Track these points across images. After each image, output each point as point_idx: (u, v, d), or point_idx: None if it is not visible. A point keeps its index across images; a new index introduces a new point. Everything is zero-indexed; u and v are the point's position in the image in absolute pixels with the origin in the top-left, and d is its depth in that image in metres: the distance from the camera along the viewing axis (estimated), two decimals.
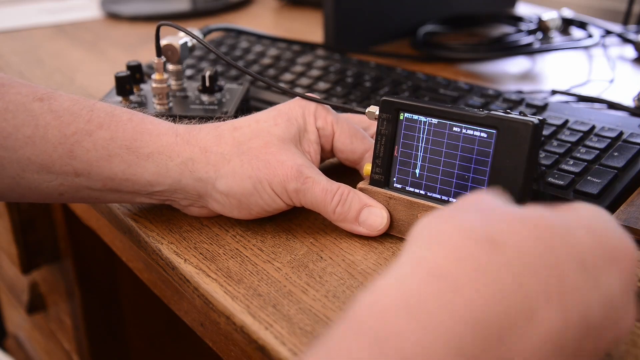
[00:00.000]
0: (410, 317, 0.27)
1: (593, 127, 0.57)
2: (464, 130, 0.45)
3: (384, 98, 0.48)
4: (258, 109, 0.53)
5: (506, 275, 0.28)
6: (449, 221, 0.31)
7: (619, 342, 0.36)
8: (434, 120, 0.46)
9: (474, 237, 0.29)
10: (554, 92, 0.72)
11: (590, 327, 0.30)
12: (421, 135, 0.47)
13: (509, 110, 0.45)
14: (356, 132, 0.52)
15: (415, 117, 0.47)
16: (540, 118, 0.43)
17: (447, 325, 0.27)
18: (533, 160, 0.42)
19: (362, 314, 0.28)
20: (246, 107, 0.67)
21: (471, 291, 0.28)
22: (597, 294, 0.30)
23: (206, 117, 0.60)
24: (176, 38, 0.63)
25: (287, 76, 0.73)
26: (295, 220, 0.52)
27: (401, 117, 0.48)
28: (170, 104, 0.62)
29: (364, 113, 0.51)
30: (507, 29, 0.95)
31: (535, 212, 0.31)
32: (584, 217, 0.33)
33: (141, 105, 0.62)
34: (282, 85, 0.71)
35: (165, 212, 0.53)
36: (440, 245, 0.30)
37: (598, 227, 0.32)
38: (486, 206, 0.32)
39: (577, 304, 0.29)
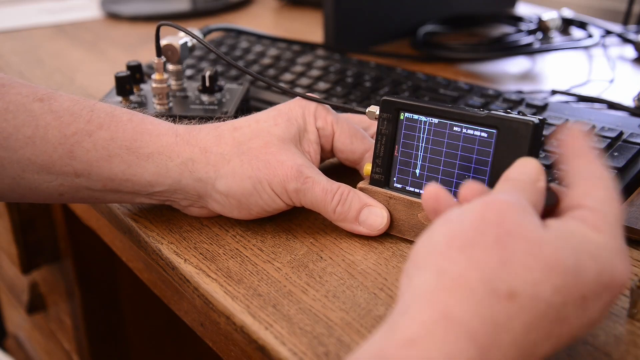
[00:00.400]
0: None
1: (593, 127, 0.57)
2: (464, 130, 0.45)
3: (385, 98, 0.48)
4: (258, 109, 0.53)
5: (519, 330, 0.31)
6: (472, 263, 0.32)
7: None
8: (435, 120, 0.46)
9: (497, 294, 0.31)
10: (554, 92, 0.72)
11: (571, 339, 0.34)
12: (421, 135, 0.47)
13: (509, 110, 0.45)
14: (356, 132, 0.52)
15: (416, 116, 0.47)
16: (541, 118, 0.43)
17: None
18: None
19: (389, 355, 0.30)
20: (246, 107, 0.66)
21: (487, 349, 0.30)
22: (584, 320, 0.33)
23: (206, 117, 0.60)
24: (176, 38, 0.63)
25: (287, 76, 0.73)
26: (295, 220, 0.52)
27: (401, 117, 0.48)
28: (170, 104, 0.62)
29: (364, 113, 0.51)
30: (507, 29, 0.94)
31: (551, 247, 0.32)
32: (593, 243, 0.34)
33: (141, 105, 0.62)
34: (282, 85, 0.71)
35: (165, 212, 0.53)
36: (466, 299, 0.31)
37: (604, 257, 0.34)
38: (509, 236, 0.32)
39: (569, 334, 0.33)
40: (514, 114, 0.43)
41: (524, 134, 0.42)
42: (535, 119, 0.42)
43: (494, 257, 0.32)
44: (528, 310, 0.31)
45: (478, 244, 0.32)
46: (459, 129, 0.45)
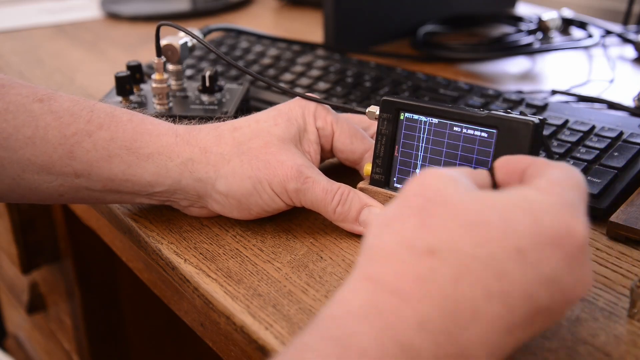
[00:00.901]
0: (367, 323, 0.31)
1: (593, 127, 0.57)
2: (464, 130, 0.45)
3: (385, 98, 0.48)
4: (258, 109, 0.53)
5: (445, 281, 0.32)
6: (392, 232, 0.34)
7: (574, 305, 0.37)
8: (435, 120, 0.46)
9: (415, 252, 0.32)
10: (554, 92, 0.72)
11: (538, 307, 0.32)
12: (422, 135, 0.47)
13: (509, 110, 0.45)
14: (356, 132, 0.52)
15: (416, 117, 0.47)
16: (541, 118, 0.43)
17: (397, 329, 0.31)
18: None
19: (325, 322, 0.32)
20: (246, 107, 0.66)
21: (415, 300, 0.31)
22: (539, 277, 0.32)
23: (206, 117, 0.60)
24: (176, 38, 0.63)
25: (287, 76, 0.73)
26: (295, 220, 0.52)
27: (401, 117, 0.48)
28: (170, 104, 0.62)
29: (364, 113, 0.51)
30: (507, 29, 0.94)
31: (475, 206, 0.33)
32: (528, 199, 0.34)
33: (141, 105, 0.62)
34: (282, 85, 0.71)
35: (165, 212, 0.53)
36: (387, 260, 0.33)
37: (539, 210, 0.33)
38: (428, 202, 0.34)
39: (519, 291, 0.32)
40: (514, 114, 0.43)
41: (525, 133, 0.42)
42: (535, 119, 0.42)
43: (413, 222, 0.33)
44: (450, 263, 0.32)
45: (401, 216, 0.34)
46: (459, 129, 0.45)
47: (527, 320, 0.32)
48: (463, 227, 0.33)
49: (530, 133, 0.42)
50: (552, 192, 0.34)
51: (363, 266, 0.34)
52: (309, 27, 1.03)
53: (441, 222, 0.33)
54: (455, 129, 0.45)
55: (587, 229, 0.34)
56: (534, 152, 0.42)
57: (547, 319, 0.34)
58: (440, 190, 0.34)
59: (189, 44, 0.65)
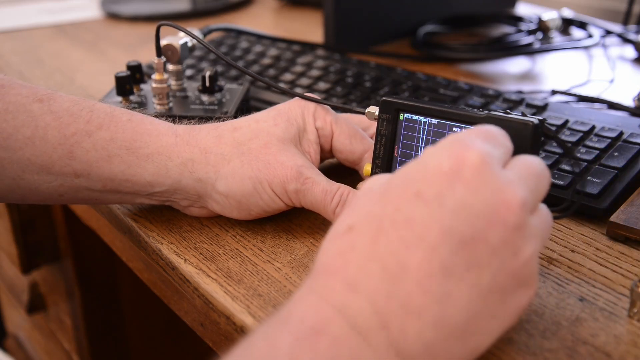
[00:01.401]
0: (303, 301, 0.34)
1: (593, 127, 0.57)
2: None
3: (384, 98, 0.48)
4: (258, 109, 0.53)
5: (364, 247, 0.34)
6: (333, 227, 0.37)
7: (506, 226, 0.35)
8: (434, 121, 0.46)
9: (338, 233, 0.35)
10: (554, 92, 0.72)
11: (462, 239, 0.33)
12: (421, 136, 0.47)
13: (509, 110, 0.45)
14: (355, 132, 0.52)
15: (415, 117, 0.47)
16: (541, 118, 0.43)
17: (330, 297, 0.33)
18: None
19: (279, 316, 0.34)
20: (246, 107, 0.66)
21: (340, 271, 0.34)
22: (445, 210, 0.33)
23: (206, 117, 0.60)
24: (176, 38, 0.63)
25: (287, 76, 0.73)
26: (295, 220, 0.52)
27: (401, 118, 0.48)
28: (170, 104, 0.62)
29: (363, 113, 0.51)
30: (507, 29, 0.94)
31: (385, 181, 0.36)
32: (419, 156, 0.37)
33: (141, 105, 0.62)
34: (282, 85, 0.71)
35: (165, 212, 0.53)
36: (321, 249, 0.36)
37: (426, 155, 0.35)
38: (358, 195, 0.38)
39: (433, 230, 0.33)
40: (513, 114, 0.43)
41: (525, 134, 0.42)
42: (535, 119, 0.42)
43: (343, 213, 0.37)
44: (365, 230, 0.34)
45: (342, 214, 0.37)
46: (458, 130, 0.45)
47: (460, 257, 0.33)
48: (373, 200, 0.35)
49: (531, 133, 0.42)
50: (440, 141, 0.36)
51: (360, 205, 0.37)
52: (309, 27, 1.03)
53: (359, 204, 0.36)
54: (455, 129, 0.45)
55: (479, 151, 0.34)
56: (534, 152, 0.42)
57: (487, 251, 0.33)
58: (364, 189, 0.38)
59: (189, 44, 0.65)
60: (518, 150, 0.42)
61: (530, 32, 0.86)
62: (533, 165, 0.37)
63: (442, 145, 0.35)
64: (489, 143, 0.36)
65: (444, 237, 0.33)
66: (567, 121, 0.59)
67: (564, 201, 0.45)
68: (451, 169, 0.34)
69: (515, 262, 0.34)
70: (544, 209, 0.37)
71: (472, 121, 0.44)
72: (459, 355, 0.33)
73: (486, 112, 0.44)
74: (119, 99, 0.62)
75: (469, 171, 0.34)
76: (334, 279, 0.34)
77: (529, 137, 0.42)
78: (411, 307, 0.32)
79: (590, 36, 0.88)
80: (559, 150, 0.54)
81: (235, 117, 0.57)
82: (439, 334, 0.33)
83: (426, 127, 0.47)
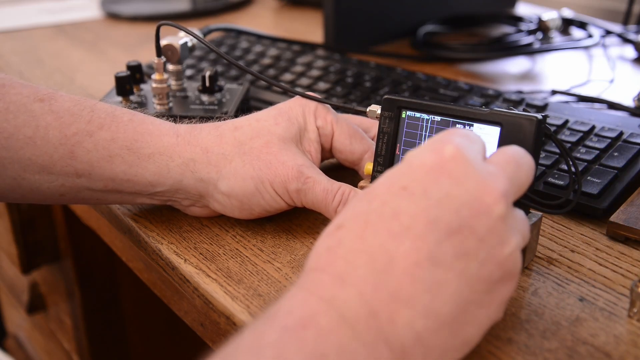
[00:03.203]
0: (295, 298, 0.34)
1: (593, 127, 0.57)
2: (467, 128, 0.45)
3: (386, 96, 0.48)
4: (258, 109, 0.53)
5: (352, 242, 0.35)
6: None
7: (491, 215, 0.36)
8: (437, 118, 0.46)
9: (328, 232, 0.36)
10: (554, 92, 0.72)
11: (449, 229, 0.34)
12: (424, 133, 0.47)
13: (512, 108, 0.45)
14: (355, 132, 0.52)
15: (418, 114, 0.47)
16: (543, 114, 0.43)
17: (318, 291, 0.33)
18: (537, 156, 0.42)
19: (272, 312, 0.34)
20: (246, 107, 0.67)
21: (329, 267, 0.34)
22: (430, 201, 0.34)
23: (206, 117, 0.60)
24: (176, 38, 0.63)
25: (287, 76, 0.73)
26: (295, 220, 0.52)
27: (403, 115, 0.48)
28: (170, 104, 0.62)
29: (364, 113, 0.51)
30: (507, 29, 0.95)
31: (374, 185, 0.37)
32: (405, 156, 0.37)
33: (141, 105, 0.62)
34: (282, 84, 0.71)
35: (165, 212, 0.53)
36: (312, 250, 0.37)
37: (409, 156, 0.37)
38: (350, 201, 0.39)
39: (419, 220, 0.34)
40: (516, 111, 0.43)
41: (529, 129, 0.42)
42: (538, 115, 0.42)
43: (336, 218, 0.37)
44: (352, 227, 0.35)
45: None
46: (461, 127, 0.45)
47: (447, 246, 0.33)
48: (361, 199, 0.36)
49: (535, 128, 0.42)
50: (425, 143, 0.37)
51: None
52: (309, 27, 1.03)
53: (349, 205, 0.37)
54: (458, 126, 0.45)
55: (456, 144, 0.36)
56: (537, 147, 0.42)
57: (474, 240, 0.34)
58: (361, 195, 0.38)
59: (189, 44, 0.65)
60: (522, 146, 0.42)
61: (530, 32, 0.86)
62: (511, 154, 0.38)
63: (423, 146, 0.37)
64: (465, 139, 0.37)
65: (430, 226, 0.33)
66: (567, 121, 0.59)
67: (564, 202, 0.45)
68: (434, 164, 0.35)
69: (501, 252, 0.35)
70: (519, 213, 0.38)
71: (475, 117, 0.44)
72: (451, 346, 0.34)
73: (489, 109, 0.44)
74: (119, 99, 0.62)
75: (450, 163, 0.35)
76: (322, 274, 0.34)
77: (533, 132, 0.42)
78: (400, 296, 0.33)
79: (590, 36, 0.88)
80: (559, 150, 0.54)
81: (235, 117, 0.57)
82: (430, 324, 0.33)
83: (429, 125, 0.47)
